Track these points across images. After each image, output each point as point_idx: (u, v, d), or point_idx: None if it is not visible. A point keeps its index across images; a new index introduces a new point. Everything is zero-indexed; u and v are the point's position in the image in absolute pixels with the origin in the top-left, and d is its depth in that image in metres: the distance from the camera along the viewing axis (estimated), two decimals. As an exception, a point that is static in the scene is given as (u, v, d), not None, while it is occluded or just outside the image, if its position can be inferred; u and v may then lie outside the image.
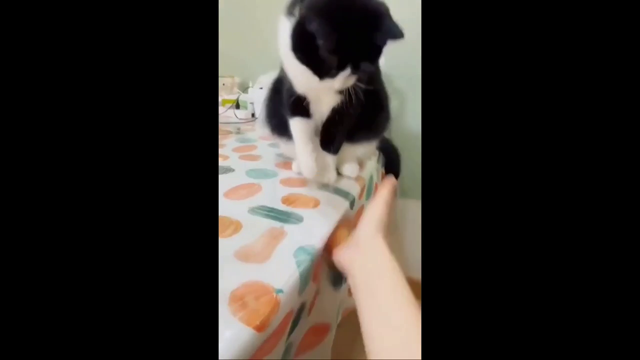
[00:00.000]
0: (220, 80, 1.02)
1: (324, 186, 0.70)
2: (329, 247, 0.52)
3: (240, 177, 0.72)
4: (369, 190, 0.86)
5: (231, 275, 0.39)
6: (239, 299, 0.36)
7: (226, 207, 0.56)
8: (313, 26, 0.50)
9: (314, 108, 0.69)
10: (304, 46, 0.54)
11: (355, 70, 0.55)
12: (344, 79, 0.56)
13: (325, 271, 0.55)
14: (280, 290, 0.39)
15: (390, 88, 1.45)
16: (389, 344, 0.33)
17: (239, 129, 1.21)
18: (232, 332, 0.32)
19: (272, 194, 0.64)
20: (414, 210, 1.41)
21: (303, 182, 0.71)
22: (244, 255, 0.44)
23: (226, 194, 0.62)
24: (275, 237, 0.48)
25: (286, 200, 0.61)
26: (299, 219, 0.55)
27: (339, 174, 0.75)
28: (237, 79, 1.42)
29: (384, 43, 0.53)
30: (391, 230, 0.63)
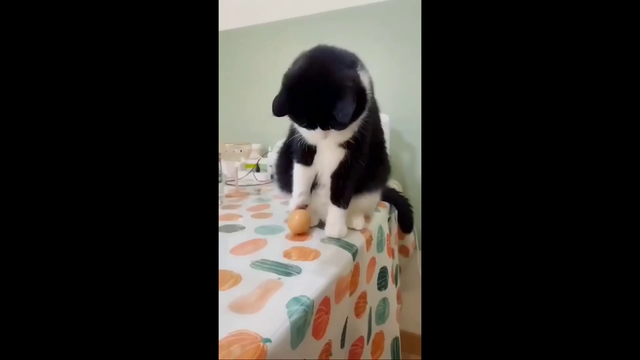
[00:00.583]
0: (238, 147, 1.13)
1: (329, 239, 0.72)
2: None
3: (250, 234, 0.76)
4: (379, 242, 0.87)
5: (222, 326, 0.41)
6: (225, 348, 0.37)
7: (230, 263, 0.59)
8: (281, 95, 0.61)
9: (317, 158, 0.76)
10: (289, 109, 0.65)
11: (325, 129, 0.63)
12: (321, 133, 0.65)
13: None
14: (267, 340, 0.39)
15: (401, 143, 1.52)
16: None
17: (259, 190, 1.29)
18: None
19: (276, 248, 0.67)
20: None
21: (307, 237, 0.73)
22: (238, 307, 0.45)
23: (232, 250, 0.65)
24: (270, 289, 0.50)
25: (288, 253, 0.64)
26: (297, 271, 0.56)
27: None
28: (255, 145, 1.55)
29: (337, 119, 0.60)
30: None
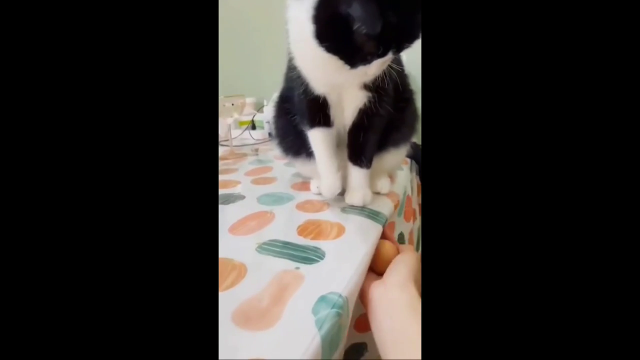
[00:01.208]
0: (230, 100, 0.95)
1: (351, 208, 0.58)
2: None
3: (252, 204, 0.61)
4: (401, 206, 0.73)
5: (223, 351, 0.27)
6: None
7: (230, 246, 0.45)
8: (352, 10, 0.40)
9: (335, 113, 0.58)
10: (334, 31, 0.43)
11: (397, 53, 0.45)
12: (380, 64, 0.46)
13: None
14: (293, 373, 0.26)
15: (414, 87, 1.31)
16: None
17: (257, 150, 1.14)
18: None
19: (286, 223, 0.53)
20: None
21: (323, 205, 0.59)
22: (244, 317, 0.32)
23: (232, 229, 0.51)
24: (287, 286, 0.37)
25: (304, 229, 0.50)
26: (319, 256, 0.43)
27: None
28: (249, 99, 1.35)
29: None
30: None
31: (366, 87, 0.53)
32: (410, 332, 0.34)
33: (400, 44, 0.44)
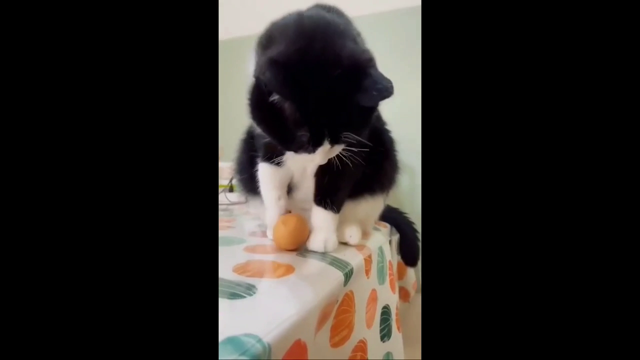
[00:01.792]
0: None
1: (311, 253, 0.48)
2: None
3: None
4: (380, 270, 0.62)
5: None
6: None
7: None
8: (272, 93, 0.38)
9: (291, 161, 0.53)
10: (267, 112, 0.40)
11: (335, 143, 0.40)
12: (325, 153, 0.42)
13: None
14: None
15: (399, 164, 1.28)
16: None
17: (231, 210, 1.06)
18: None
19: (224, 261, 0.42)
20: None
21: (278, 249, 0.49)
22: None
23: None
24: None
25: (242, 267, 0.39)
26: (249, 292, 0.32)
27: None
28: (228, 163, 1.33)
29: (372, 103, 0.39)
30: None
31: None
32: None
33: (335, 131, 0.39)
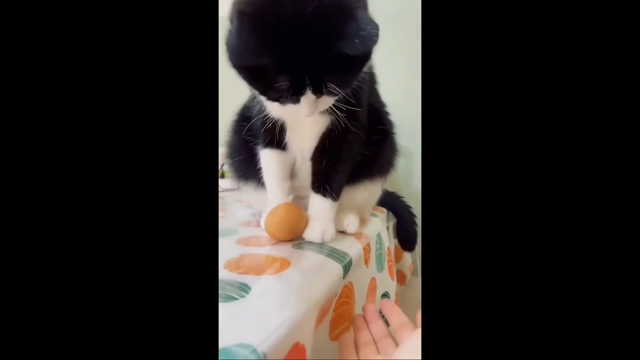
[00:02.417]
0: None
1: (307, 244, 0.45)
2: None
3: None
4: (379, 258, 0.60)
5: None
6: None
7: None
8: (241, 35, 0.33)
9: (292, 138, 0.50)
10: (240, 59, 0.37)
11: (318, 92, 0.37)
12: (310, 105, 0.38)
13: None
14: None
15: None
16: None
17: (223, 197, 1.03)
18: None
19: (215, 256, 0.39)
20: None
21: (271, 241, 0.46)
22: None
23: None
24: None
25: (234, 263, 0.36)
26: (241, 293, 0.29)
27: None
28: (220, 149, 1.29)
29: (358, 51, 0.34)
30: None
31: (326, 110, 0.46)
32: None
33: (318, 83, 0.36)
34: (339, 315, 0.41)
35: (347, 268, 0.41)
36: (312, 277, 0.35)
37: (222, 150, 1.40)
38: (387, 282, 0.64)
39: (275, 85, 0.36)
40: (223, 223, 0.58)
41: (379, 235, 0.62)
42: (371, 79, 0.53)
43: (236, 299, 0.28)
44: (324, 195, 0.48)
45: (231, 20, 0.35)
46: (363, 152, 0.52)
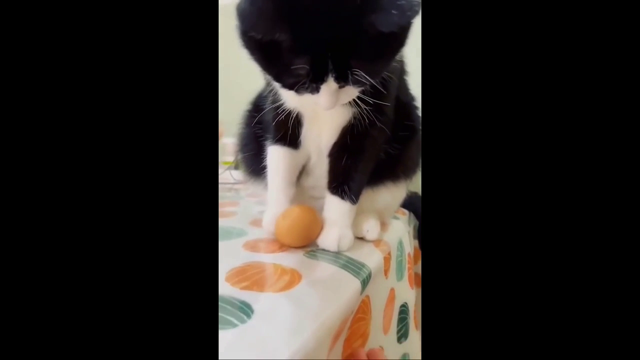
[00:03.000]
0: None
1: (321, 252, 0.41)
2: None
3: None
4: (399, 265, 0.55)
5: None
6: None
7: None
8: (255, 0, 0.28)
9: (308, 132, 0.45)
10: (254, 44, 0.32)
11: (342, 80, 0.31)
12: (331, 95, 0.33)
13: None
14: None
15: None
16: None
17: (233, 189, 1.00)
18: None
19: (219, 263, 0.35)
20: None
21: (282, 247, 0.42)
22: None
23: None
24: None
25: (237, 274, 0.32)
26: (242, 317, 0.25)
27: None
28: (232, 139, 1.26)
29: (394, 25, 0.28)
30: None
31: (349, 102, 0.40)
32: None
33: (341, 70, 0.31)
34: (354, 333, 0.36)
35: (365, 283, 0.36)
36: (327, 294, 0.30)
37: (235, 140, 1.37)
38: (407, 292, 0.59)
39: (292, 68, 0.31)
40: (233, 221, 0.54)
41: (400, 242, 0.57)
42: (401, 68, 0.47)
43: (235, 325, 0.23)
44: (342, 197, 0.43)
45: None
46: (387, 150, 0.46)
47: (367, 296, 0.39)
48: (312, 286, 0.31)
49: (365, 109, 0.39)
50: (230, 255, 0.37)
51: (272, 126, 0.46)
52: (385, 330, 0.46)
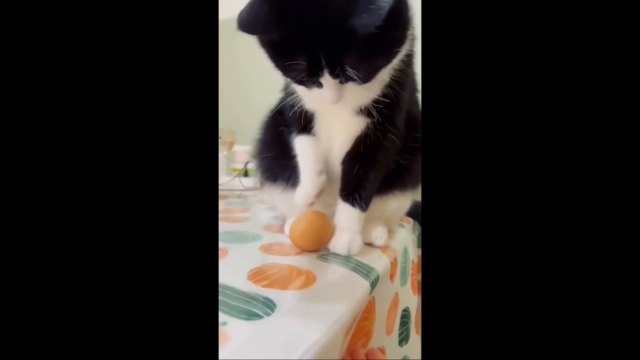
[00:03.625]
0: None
1: (333, 256, 0.44)
2: None
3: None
4: (403, 271, 0.58)
5: None
6: None
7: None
8: (253, 3, 0.32)
9: (324, 137, 0.48)
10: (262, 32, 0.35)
11: (335, 74, 0.34)
12: (334, 90, 0.36)
13: None
14: None
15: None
16: None
17: (241, 196, 1.03)
18: None
19: (237, 264, 0.38)
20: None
21: (296, 250, 0.45)
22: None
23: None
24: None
25: (258, 273, 0.35)
26: (266, 310, 0.28)
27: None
28: (245, 147, 1.29)
29: (365, 26, 0.31)
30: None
31: (362, 111, 0.43)
32: None
33: (334, 67, 0.34)
34: (359, 331, 0.39)
35: (374, 285, 0.39)
36: (340, 294, 0.33)
37: (247, 148, 1.40)
38: (409, 297, 0.62)
39: (291, 63, 0.34)
40: (247, 227, 0.57)
41: (405, 249, 0.59)
42: (413, 84, 0.50)
43: (260, 317, 0.26)
44: (353, 205, 0.46)
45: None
46: (398, 160, 0.49)
47: (373, 297, 0.42)
48: (327, 286, 0.34)
49: (378, 119, 0.42)
50: (249, 257, 0.40)
51: (295, 119, 0.48)
52: (388, 332, 0.49)
